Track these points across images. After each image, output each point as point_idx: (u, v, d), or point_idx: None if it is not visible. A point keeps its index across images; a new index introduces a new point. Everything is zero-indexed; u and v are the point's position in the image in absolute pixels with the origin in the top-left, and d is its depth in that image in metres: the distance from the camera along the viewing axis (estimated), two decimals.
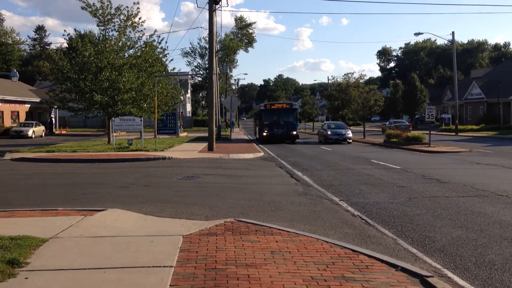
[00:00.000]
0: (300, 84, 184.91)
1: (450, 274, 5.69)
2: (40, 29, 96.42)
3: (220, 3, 25.38)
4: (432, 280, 5.18)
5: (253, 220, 8.03)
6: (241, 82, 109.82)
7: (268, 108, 36.48)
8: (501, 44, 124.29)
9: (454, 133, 42.96)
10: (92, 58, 26.25)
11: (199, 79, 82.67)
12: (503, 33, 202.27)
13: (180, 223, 7.78)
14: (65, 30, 73.31)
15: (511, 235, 7.32)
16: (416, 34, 42.66)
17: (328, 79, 70.67)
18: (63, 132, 51.41)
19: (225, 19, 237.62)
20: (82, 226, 7.49)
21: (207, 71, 48.86)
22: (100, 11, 27.13)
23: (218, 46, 52.10)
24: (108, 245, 6.39)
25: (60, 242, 6.54)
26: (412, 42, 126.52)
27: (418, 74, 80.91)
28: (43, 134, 43.28)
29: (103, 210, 8.70)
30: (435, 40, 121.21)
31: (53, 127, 50.16)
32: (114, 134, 27.22)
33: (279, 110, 35.58)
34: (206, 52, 69.64)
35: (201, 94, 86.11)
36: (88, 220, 7.87)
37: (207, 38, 49.61)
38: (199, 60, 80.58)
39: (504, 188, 11.77)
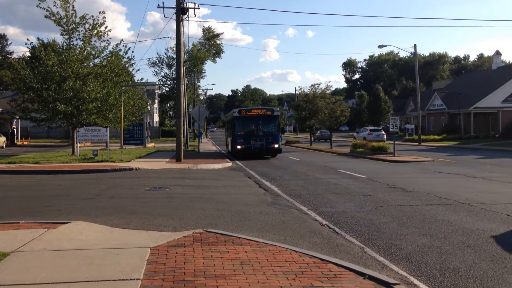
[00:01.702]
0: (268, 94, 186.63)
1: (416, 282, 5.79)
2: (1, 38, 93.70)
3: (187, 13, 25.36)
4: (398, 287, 5.27)
5: (222, 231, 7.99)
6: (209, 93, 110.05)
7: (243, 114, 29.12)
8: (461, 56, 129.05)
9: (417, 143, 44.01)
10: (55, 67, 25.72)
11: (167, 89, 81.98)
12: (462, 46, 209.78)
13: (148, 235, 7.65)
14: (27, 39, 71.67)
15: (474, 242, 7.52)
16: (380, 46, 43.66)
17: (295, 90, 71.45)
18: (25, 143, 49.97)
19: (192, 29, 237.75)
20: (45, 239, 7.26)
21: (175, 81, 48.59)
22: (65, 20, 26.67)
23: (185, 56, 51.94)
24: (73, 259, 6.22)
25: (22, 256, 6.33)
26: (376, 54, 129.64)
27: (382, 86, 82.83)
28: (4, 145, 41.91)
29: (67, 222, 8.47)
30: (398, 52, 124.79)
31: (15, 138, 48.69)
32: (79, 144, 26.66)
33: (257, 118, 29.08)
34: (174, 62, 69.28)
35: (168, 104, 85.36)
36: (51, 233, 7.64)
37: (174, 48, 49.45)
38: (166, 70, 79.98)
39: (466, 196, 12.12)
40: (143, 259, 6.13)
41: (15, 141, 48.08)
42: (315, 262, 6.13)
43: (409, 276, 5.99)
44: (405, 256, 6.89)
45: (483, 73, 70.27)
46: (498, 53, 63.05)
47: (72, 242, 7.14)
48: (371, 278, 5.53)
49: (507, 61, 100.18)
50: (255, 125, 28.79)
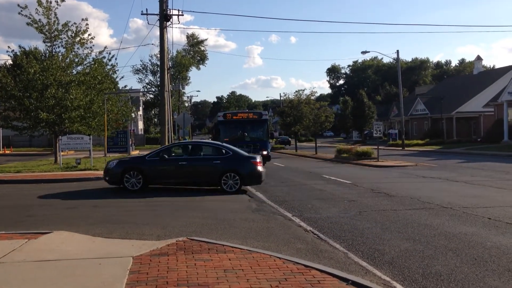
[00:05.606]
0: (253, 101, 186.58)
1: (399, 286, 5.83)
2: None
3: (171, 20, 25.35)
4: None
5: (206, 238, 7.95)
6: (194, 99, 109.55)
7: (228, 118, 27.24)
8: (443, 62, 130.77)
9: (401, 148, 44.43)
10: (37, 75, 25.41)
11: (151, 96, 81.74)
12: (443, 51, 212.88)
13: (131, 244, 7.58)
14: (9, 47, 70.75)
15: (456, 246, 7.60)
16: (363, 52, 44.07)
17: (280, 96, 71.67)
18: (7, 152, 49.20)
19: (176, 36, 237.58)
20: (25, 250, 7.15)
21: (159, 88, 48.41)
22: (47, 27, 26.40)
23: (170, 63, 51.78)
24: (54, 270, 6.13)
25: (1, 268, 6.22)
26: (360, 60, 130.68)
27: (366, 91, 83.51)
28: None
29: (48, 232, 8.36)
30: (381, 58, 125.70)
31: None
32: (62, 153, 26.33)
33: (244, 122, 27.07)
34: (158, 69, 69.02)
35: (153, 112, 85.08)
36: (32, 244, 7.53)
37: (158, 55, 49.33)
38: (150, 77, 79.87)
39: (449, 200, 12.25)
40: (125, 269, 6.07)
41: None
42: (299, 268, 6.13)
43: (392, 281, 6.03)
44: (388, 260, 6.93)
45: (464, 78, 71.32)
46: (479, 58, 64.09)
47: (53, 252, 7.04)
48: (354, 283, 5.55)
49: (488, 66, 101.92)
50: (242, 130, 26.66)
